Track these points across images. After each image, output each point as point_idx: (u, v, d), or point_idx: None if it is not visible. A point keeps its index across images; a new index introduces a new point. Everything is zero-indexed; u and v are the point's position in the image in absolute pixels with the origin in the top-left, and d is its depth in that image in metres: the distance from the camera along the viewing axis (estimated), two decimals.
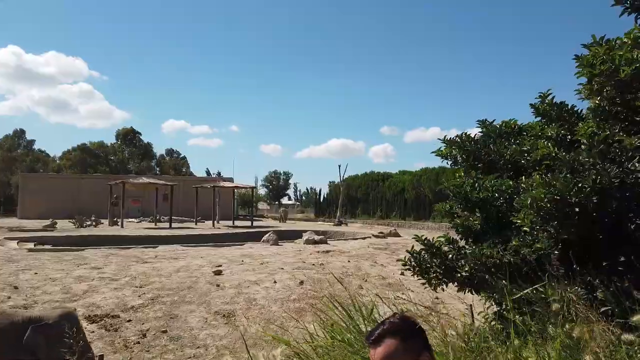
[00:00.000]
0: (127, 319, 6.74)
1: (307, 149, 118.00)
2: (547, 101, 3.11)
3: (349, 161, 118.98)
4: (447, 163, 3.79)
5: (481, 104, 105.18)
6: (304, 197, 71.69)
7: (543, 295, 2.37)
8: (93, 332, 6.15)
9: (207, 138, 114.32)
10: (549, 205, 2.49)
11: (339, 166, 54.90)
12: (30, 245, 15.93)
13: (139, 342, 5.86)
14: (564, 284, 2.40)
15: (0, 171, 52.95)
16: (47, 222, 25.20)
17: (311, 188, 67.94)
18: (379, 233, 21.99)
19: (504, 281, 2.60)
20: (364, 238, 20.36)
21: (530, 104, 3.20)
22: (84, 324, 6.44)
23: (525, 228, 2.64)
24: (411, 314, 1.50)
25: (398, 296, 4.47)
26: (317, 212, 46.31)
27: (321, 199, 47.85)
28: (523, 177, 3.02)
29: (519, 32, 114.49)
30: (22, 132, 61.90)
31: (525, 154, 3.03)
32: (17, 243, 16.50)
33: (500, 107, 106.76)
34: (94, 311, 7.01)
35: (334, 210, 40.72)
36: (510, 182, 3.04)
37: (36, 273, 9.69)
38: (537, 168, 2.89)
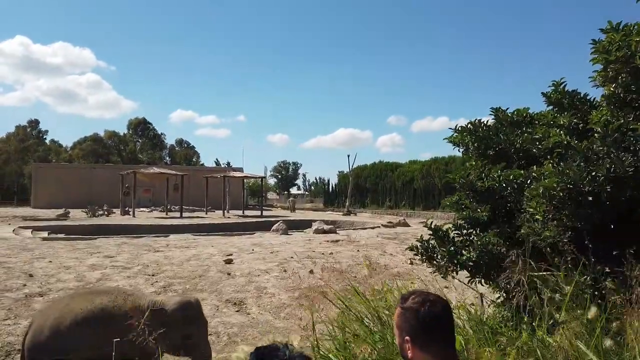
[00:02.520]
0: None
1: (314, 139, 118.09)
2: (559, 89, 3.07)
3: (356, 151, 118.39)
4: (458, 150, 3.76)
5: (490, 94, 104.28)
6: (312, 187, 71.81)
7: (553, 283, 2.37)
8: None
9: (215, 128, 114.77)
10: (561, 194, 2.48)
11: (348, 156, 54.64)
12: (44, 234, 16.17)
13: None
14: (573, 272, 2.39)
15: (14, 161, 53.61)
16: (60, 211, 25.53)
17: (320, 178, 67.98)
18: (388, 223, 21.99)
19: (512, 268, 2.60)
20: (373, 228, 20.37)
21: (542, 93, 3.16)
22: None
23: (537, 217, 2.63)
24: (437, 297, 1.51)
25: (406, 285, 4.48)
26: (326, 202, 46.38)
27: (330, 189, 47.86)
28: (534, 166, 3.00)
29: (530, 23, 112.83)
30: (37, 122, 62.50)
31: (537, 142, 3.00)
32: (32, 232, 16.77)
33: (509, 96, 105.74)
34: None
35: (343, 200, 40.74)
36: (521, 172, 3.02)
37: (50, 261, 9.85)
38: (548, 157, 2.87)
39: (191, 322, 3.55)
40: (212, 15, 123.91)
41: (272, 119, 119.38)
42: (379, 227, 20.74)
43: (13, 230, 16.65)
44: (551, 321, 2.34)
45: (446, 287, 5.94)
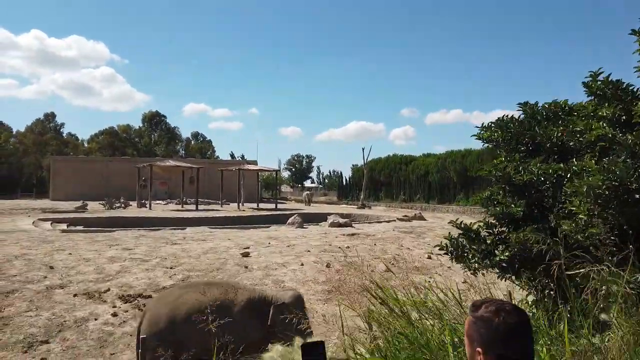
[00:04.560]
0: None
1: (327, 132, 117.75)
2: (601, 79, 2.94)
3: (370, 144, 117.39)
4: (487, 147, 3.66)
5: (503, 87, 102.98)
6: (326, 180, 71.79)
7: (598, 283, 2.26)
8: (127, 311, 6.28)
9: (227, 121, 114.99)
10: (607, 192, 2.36)
11: (363, 149, 53.95)
12: (64, 226, 16.38)
13: None
14: (621, 272, 2.28)
15: (32, 154, 54.50)
16: (78, 203, 25.87)
17: (334, 171, 67.95)
18: (404, 216, 21.80)
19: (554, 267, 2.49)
20: (388, 221, 20.22)
21: (583, 83, 3.01)
22: (118, 303, 6.59)
23: (581, 216, 2.51)
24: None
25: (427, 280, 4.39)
26: (339, 195, 46.32)
27: (344, 182, 47.75)
28: (574, 159, 2.87)
29: (543, 15, 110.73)
30: (53, 115, 63.33)
31: (578, 135, 2.87)
32: (51, 224, 17.01)
33: (522, 89, 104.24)
34: (127, 291, 7.16)
35: (357, 193, 40.60)
36: (560, 166, 2.89)
37: (70, 253, 9.94)
38: (589, 150, 2.75)
39: (303, 313, 3.76)
40: (224, 9, 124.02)
41: (285, 112, 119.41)
42: (394, 220, 20.57)
43: (33, 223, 16.90)
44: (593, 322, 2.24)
45: (465, 282, 5.84)
